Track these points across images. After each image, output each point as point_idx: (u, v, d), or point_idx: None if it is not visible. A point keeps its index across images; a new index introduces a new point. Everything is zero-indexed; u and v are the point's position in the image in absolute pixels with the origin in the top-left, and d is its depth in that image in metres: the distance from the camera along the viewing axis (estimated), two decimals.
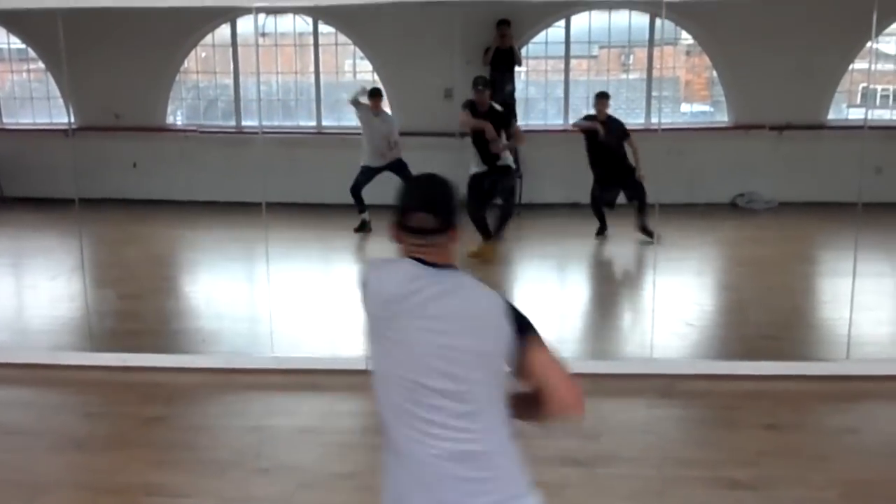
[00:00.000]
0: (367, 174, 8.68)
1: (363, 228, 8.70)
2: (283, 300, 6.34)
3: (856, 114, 10.01)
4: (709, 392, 5.15)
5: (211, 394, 5.24)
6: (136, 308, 6.82)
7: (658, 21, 9.53)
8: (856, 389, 5.13)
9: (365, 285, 2.29)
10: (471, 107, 7.77)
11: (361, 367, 5.43)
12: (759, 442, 4.48)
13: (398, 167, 8.48)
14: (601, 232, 8.50)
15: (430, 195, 2.29)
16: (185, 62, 10.73)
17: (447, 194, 2.31)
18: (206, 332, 6.28)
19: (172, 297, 7.43)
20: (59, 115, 10.26)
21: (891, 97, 10.53)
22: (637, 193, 8.22)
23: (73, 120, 9.07)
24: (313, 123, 10.52)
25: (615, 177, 8.34)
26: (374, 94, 8.94)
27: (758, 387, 5.15)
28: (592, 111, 8.57)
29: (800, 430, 4.67)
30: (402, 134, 8.86)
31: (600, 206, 8.49)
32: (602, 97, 8.49)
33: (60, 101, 10.20)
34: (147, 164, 10.21)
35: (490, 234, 7.88)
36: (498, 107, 7.94)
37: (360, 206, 8.72)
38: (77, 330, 6.20)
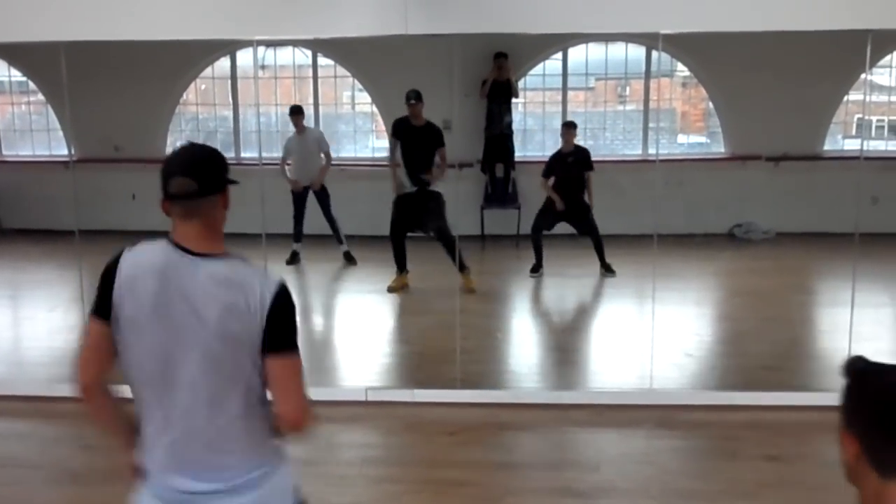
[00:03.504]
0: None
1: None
2: None
3: (851, 144, 10.08)
4: (709, 423, 5.14)
5: None
6: None
7: (654, 53, 9.62)
8: None
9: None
10: (401, 123, 7.86)
11: (361, 398, 5.46)
12: (759, 473, 4.47)
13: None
14: (536, 269, 8.35)
15: (190, 160, 2.28)
16: (185, 94, 10.80)
17: (210, 159, 2.30)
18: None
19: None
20: (59, 147, 10.30)
21: (886, 128, 10.61)
22: (589, 230, 8.28)
23: (72, 152, 9.09)
24: None
25: (569, 210, 8.31)
26: (294, 112, 9.05)
27: (758, 417, 5.14)
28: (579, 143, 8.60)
29: (800, 461, 4.66)
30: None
31: (540, 237, 8.38)
32: (569, 127, 8.50)
33: (60, 133, 10.24)
34: (147, 196, 10.00)
35: (405, 266, 7.89)
36: (435, 125, 7.89)
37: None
38: (75, 362, 6.17)
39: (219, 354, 2.19)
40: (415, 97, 7.79)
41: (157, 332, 2.21)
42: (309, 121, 10.38)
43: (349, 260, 8.88)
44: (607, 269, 8.27)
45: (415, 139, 7.80)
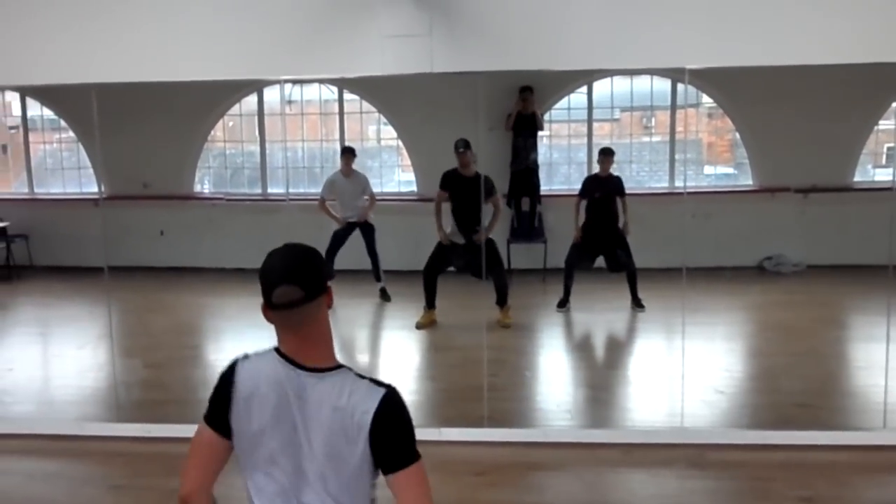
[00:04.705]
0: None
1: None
2: None
3: (882, 174, 9.95)
4: (741, 462, 5.04)
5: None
6: (161, 377, 6.83)
7: (680, 85, 9.59)
8: (894, 460, 5.00)
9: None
10: (451, 175, 7.81)
11: None
12: None
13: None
14: (563, 304, 8.30)
15: (291, 265, 2.19)
16: (213, 131, 10.91)
17: (310, 260, 2.22)
18: None
19: (199, 365, 7.43)
20: (89, 185, 10.43)
21: None
22: (625, 262, 8.18)
23: (102, 189, 9.19)
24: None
25: (602, 241, 8.25)
26: (346, 152, 9.08)
27: (791, 457, 5.04)
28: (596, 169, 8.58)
29: (836, 503, 4.55)
30: (426, 200, 8.91)
31: (572, 273, 8.29)
32: (606, 154, 8.41)
33: (91, 170, 10.37)
34: (175, 232, 10.31)
35: (434, 303, 7.85)
36: (485, 175, 7.56)
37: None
38: (104, 400, 6.21)
39: (328, 476, 2.15)
40: (463, 146, 7.70)
41: (281, 445, 2.18)
42: (335, 156, 10.45)
43: (384, 297, 8.87)
44: (638, 304, 8.19)
45: (465, 190, 7.64)
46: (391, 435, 2.14)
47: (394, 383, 2.24)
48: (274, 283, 2.14)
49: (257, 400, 2.18)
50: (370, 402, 2.14)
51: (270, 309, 2.16)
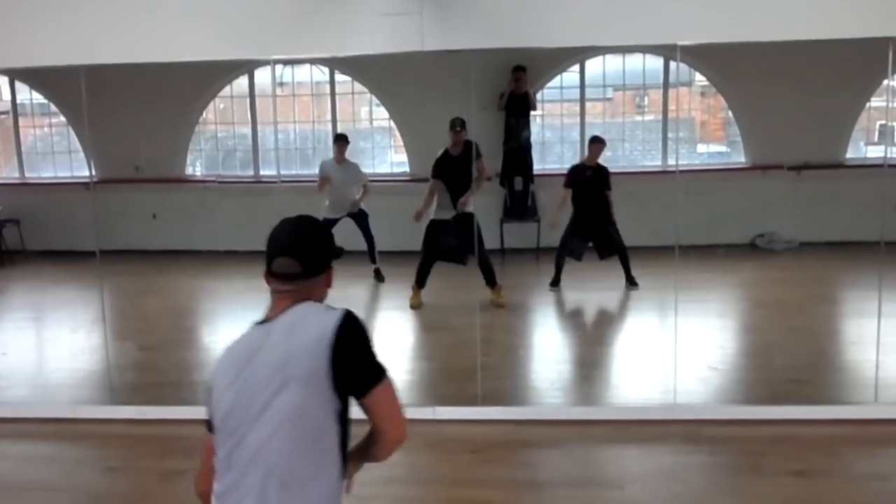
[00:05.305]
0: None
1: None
2: None
3: (874, 151, 9.96)
4: (734, 438, 5.07)
5: None
6: (155, 360, 6.83)
7: (672, 63, 9.57)
8: (885, 434, 5.04)
9: None
10: (443, 160, 7.78)
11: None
12: (787, 489, 4.40)
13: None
14: (556, 283, 8.30)
15: (296, 239, 2.23)
16: (204, 113, 10.87)
17: (316, 237, 2.26)
18: None
19: (192, 348, 7.43)
20: (80, 169, 10.38)
21: None
22: (616, 247, 8.18)
23: (93, 173, 9.16)
24: None
25: (592, 227, 8.22)
26: (339, 139, 9.00)
27: (784, 432, 5.07)
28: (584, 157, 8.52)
29: (828, 476, 4.58)
30: (418, 180, 8.89)
31: (564, 256, 8.26)
32: (598, 142, 8.32)
33: (81, 154, 10.32)
34: (167, 215, 10.29)
35: (425, 284, 7.87)
36: (470, 140, 7.68)
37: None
38: (98, 383, 6.20)
39: (291, 403, 2.13)
40: (460, 125, 7.71)
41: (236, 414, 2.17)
42: (327, 138, 10.42)
43: (379, 278, 8.89)
44: (632, 283, 8.19)
45: (456, 170, 7.69)
46: (355, 349, 2.14)
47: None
48: (276, 252, 2.20)
49: (218, 380, 2.21)
50: (331, 318, 2.14)
51: (270, 276, 2.22)
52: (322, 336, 2.10)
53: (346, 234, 8.75)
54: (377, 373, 2.17)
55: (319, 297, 2.27)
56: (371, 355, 2.18)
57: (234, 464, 2.15)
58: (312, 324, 2.14)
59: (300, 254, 2.20)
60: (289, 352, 2.11)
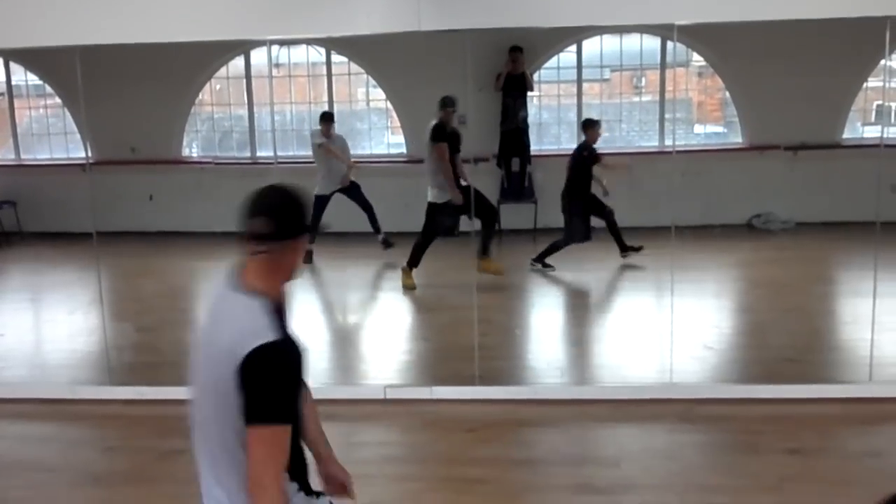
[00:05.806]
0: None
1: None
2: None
3: (871, 132, 9.96)
4: (730, 416, 5.10)
5: None
6: (153, 340, 6.84)
7: (669, 44, 9.54)
8: (879, 412, 5.07)
9: None
10: (444, 128, 7.80)
11: (380, 396, 5.45)
12: (781, 467, 4.43)
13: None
14: (549, 264, 8.32)
15: (272, 201, 2.25)
16: (200, 94, 10.83)
17: (293, 203, 2.27)
18: None
19: (189, 328, 7.44)
20: (76, 150, 10.37)
21: None
22: (607, 215, 8.26)
23: (90, 154, 9.14)
24: None
25: (592, 206, 8.32)
26: (324, 118, 9.02)
27: (779, 410, 5.10)
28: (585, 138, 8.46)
29: (823, 454, 4.61)
30: (415, 161, 8.89)
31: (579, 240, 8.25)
32: (596, 125, 8.33)
33: (77, 136, 10.29)
34: (163, 197, 10.27)
35: (415, 263, 7.83)
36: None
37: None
38: (95, 364, 6.22)
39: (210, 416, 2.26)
40: (453, 104, 7.80)
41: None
42: None
43: (387, 244, 8.91)
44: (627, 249, 8.22)
45: (455, 143, 7.79)
46: (256, 381, 2.12)
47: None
48: (251, 212, 2.22)
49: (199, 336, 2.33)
50: (253, 341, 2.12)
51: (245, 238, 2.23)
52: (234, 351, 2.12)
53: (342, 218, 8.77)
54: (262, 414, 2.13)
55: (290, 266, 2.29)
56: (266, 395, 2.13)
57: (194, 417, 2.33)
58: (234, 328, 2.17)
59: (274, 214, 2.21)
60: (211, 337, 2.25)
